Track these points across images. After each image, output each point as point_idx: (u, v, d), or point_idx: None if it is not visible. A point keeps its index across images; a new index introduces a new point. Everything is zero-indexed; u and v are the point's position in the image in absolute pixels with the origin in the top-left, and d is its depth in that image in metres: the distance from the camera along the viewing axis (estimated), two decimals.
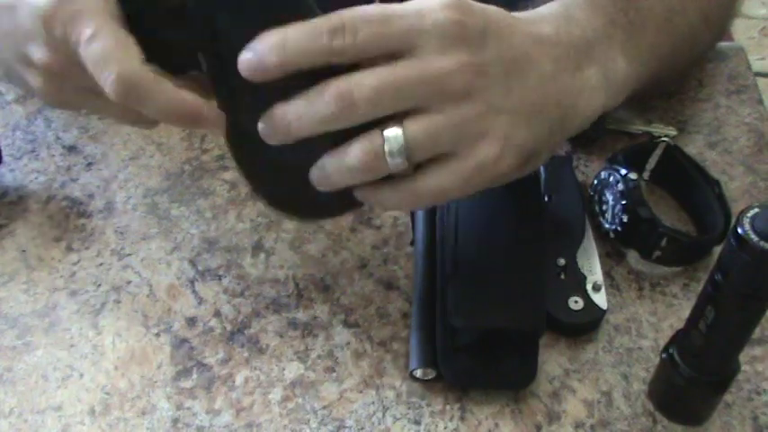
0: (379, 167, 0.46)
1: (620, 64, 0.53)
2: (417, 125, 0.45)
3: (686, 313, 0.49)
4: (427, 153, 0.46)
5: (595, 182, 0.61)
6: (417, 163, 0.46)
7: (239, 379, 0.54)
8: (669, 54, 0.59)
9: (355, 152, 0.45)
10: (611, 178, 0.59)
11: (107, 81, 0.45)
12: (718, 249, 0.46)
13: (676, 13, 0.60)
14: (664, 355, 0.51)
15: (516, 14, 0.50)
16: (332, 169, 0.47)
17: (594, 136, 0.65)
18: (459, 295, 0.52)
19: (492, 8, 0.48)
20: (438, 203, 0.47)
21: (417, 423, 0.52)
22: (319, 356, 0.55)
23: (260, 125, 0.46)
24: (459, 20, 0.45)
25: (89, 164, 0.65)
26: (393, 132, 0.45)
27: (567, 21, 0.51)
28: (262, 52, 0.44)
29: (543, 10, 0.52)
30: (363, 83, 0.44)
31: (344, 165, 0.46)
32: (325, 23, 0.44)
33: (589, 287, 0.56)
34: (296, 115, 0.45)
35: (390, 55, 0.45)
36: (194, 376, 0.54)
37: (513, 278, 0.53)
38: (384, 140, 0.45)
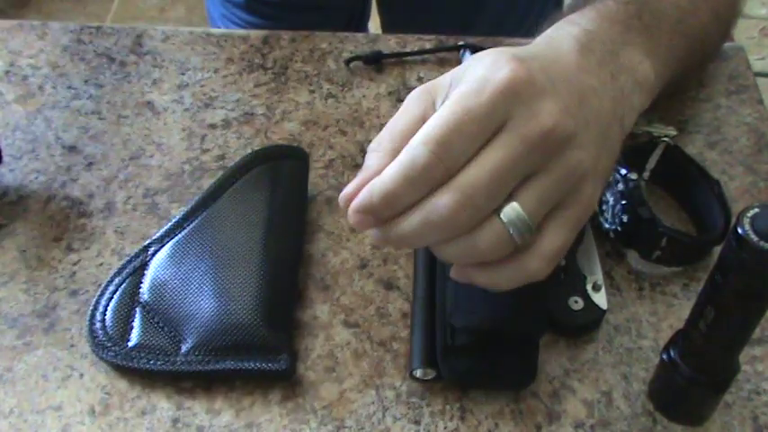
0: (507, 248, 0.44)
1: (645, 66, 0.53)
2: (530, 194, 0.43)
3: (686, 313, 0.49)
4: (545, 212, 0.44)
5: None
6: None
7: (239, 379, 0.54)
8: (686, 54, 0.60)
9: (480, 241, 0.43)
10: (611, 178, 0.59)
11: None
12: (718, 249, 0.46)
13: (688, 14, 0.60)
14: (664, 355, 0.51)
15: (544, 47, 0.49)
16: (466, 265, 0.45)
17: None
18: (459, 295, 0.52)
19: (531, 50, 0.47)
20: (557, 262, 0.45)
21: (417, 423, 0.52)
22: (319, 356, 0.55)
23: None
24: (526, 74, 0.43)
25: (89, 164, 0.65)
26: (512, 211, 0.43)
27: (585, 35, 0.50)
28: (363, 207, 0.43)
29: (557, 34, 0.51)
30: (475, 180, 0.42)
31: (471, 255, 0.44)
32: (412, 163, 0.42)
33: (589, 287, 0.56)
34: (416, 235, 0.43)
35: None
36: (194, 376, 0.54)
37: None
38: (506, 222, 0.43)
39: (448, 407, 0.53)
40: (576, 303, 0.55)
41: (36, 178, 0.64)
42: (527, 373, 0.53)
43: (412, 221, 0.43)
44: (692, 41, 0.61)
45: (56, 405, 0.53)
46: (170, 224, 0.59)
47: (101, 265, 0.59)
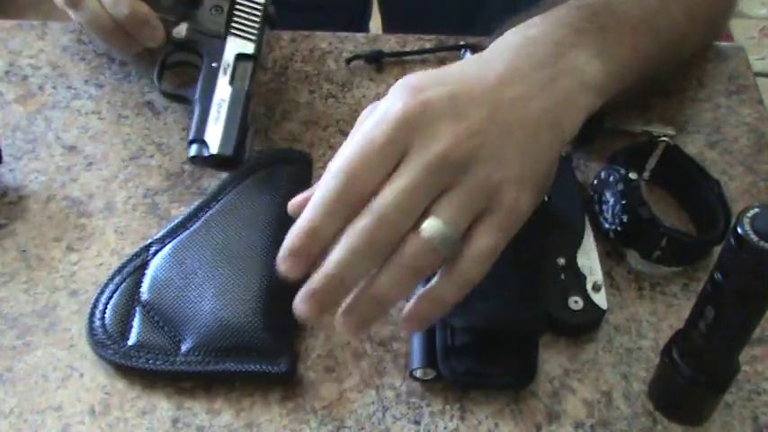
0: (435, 259, 0.46)
1: (593, 67, 0.54)
2: (445, 208, 0.46)
3: (686, 313, 0.49)
4: (467, 223, 0.47)
5: (595, 182, 0.61)
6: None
7: (239, 379, 0.54)
8: (655, 54, 0.60)
9: (407, 258, 0.46)
10: (611, 178, 0.59)
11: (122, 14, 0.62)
12: (718, 249, 0.46)
13: (657, 14, 0.60)
14: (664, 356, 0.51)
15: (466, 65, 0.53)
16: (390, 283, 0.47)
17: (593, 135, 0.64)
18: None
19: (437, 72, 0.51)
20: (489, 267, 0.48)
21: (417, 423, 0.52)
22: (319, 356, 0.55)
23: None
24: (418, 105, 0.47)
25: (89, 164, 0.65)
26: (430, 226, 0.46)
27: (525, 43, 0.53)
28: (289, 250, 0.47)
29: (496, 46, 0.54)
30: (385, 202, 0.45)
31: (405, 276, 0.46)
32: (324, 195, 0.46)
33: (589, 287, 0.56)
34: (345, 263, 0.46)
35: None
36: (194, 377, 0.54)
37: (512, 279, 0.53)
38: (428, 236, 0.45)
39: (448, 407, 0.53)
40: (576, 303, 0.55)
41: (36, 178, 0.64)
42: (527, 374, 0.53)
43: (339, 250, 0.46)
44: (662, 41, 0.61)
45: (56, 405, 0.53)
46: (172, 224, 0.59)
47: (101, 265, 0.59)
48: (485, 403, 0.53)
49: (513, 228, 0.48)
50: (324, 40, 0.75)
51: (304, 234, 0.46)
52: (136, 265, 0.57)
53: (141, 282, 0.56)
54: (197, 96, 0.62)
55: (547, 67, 0.52)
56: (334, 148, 0.66)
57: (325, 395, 0.53)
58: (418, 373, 0.53)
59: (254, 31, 0.64)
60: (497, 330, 0.52)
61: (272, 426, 0.52)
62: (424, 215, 0.46)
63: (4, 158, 0.64)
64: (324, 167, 0.65)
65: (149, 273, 0.56)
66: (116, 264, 0.59)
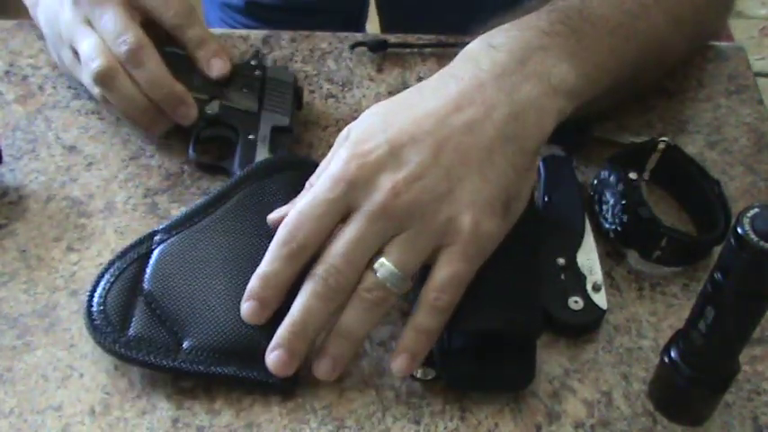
0: (388, 296, 0.51)
1: (562, 69, 0.54)
2: (394, 249, 0.50)
3: (686, 313, 0.49)
4: (419, 261, 0.51)
5: (595, 182, 0.61)
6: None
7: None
8: (633, 58, 0.60)
9: (363, 294, 0.50)
10: (612, 178, 0.59)
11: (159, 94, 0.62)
12: (718, 249, 0.46)
13: (636, 18, 0.60)
14: (664, 356, 0.51)
15: (424, 88, 0.55)
16: (353, 319, 0.51)
17: (579, 144, 0.64)
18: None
19: (387, 109, 0.54)
20: (460, 292, 0.51)
21: (417, 423, 0.52)
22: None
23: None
24: (357, 165, 0.51)
25: (89, 164, 0.65)
26: (381, 266, 0.50)
27: (488, 52, 0.54)
28: (248, 294, 0.53)
29: (458, 60, 0.56)
30: (334, 251, 0.50)
31: (364, 310, 0.51)
32: (277, 244, 0.52)
33: (589, 287, 0.56)
34: (306, 308, 0.51)
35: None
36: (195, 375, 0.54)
37: (509, 280, 0.53)
38: (379, 276, 0.50)
39: (448, 407, 0.53)
40: (576, 303, 0.55)
41: (36, 178, 0.64)
42: (526, 374, 0.53)
43: (299, 301, 0.51)
44: (641, 44, 0.60)
45: (56, 405, 0.53)
46: (178, 216, 0.58)
47: (101, 265, 0.59)
48: (485, 403, 0.53)
49: (476, 252, 0.51)
50: (324, 40, 0.75)
51: (260, 280, 0.52)
52: (139, 252, 0.56)
53: (144, 270, 0.55)
54: (236, 166, 0.63)
55: (510, 74, 0.53)
56: None
57: (325, 395, 0.53)
58: (418, 373, 0.53)
59: (287, 106, 0.66)
60: (495, 332, 0.52)
61: (272, 426, 0.52)
62: (377, 257, 0.50)
63: (4, 158, 0.64)
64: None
65: (152, 262, 0.55)
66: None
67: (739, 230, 0.41)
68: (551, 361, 0.55)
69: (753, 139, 0.68)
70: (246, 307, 0.52)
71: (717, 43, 0.75)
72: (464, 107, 0.52)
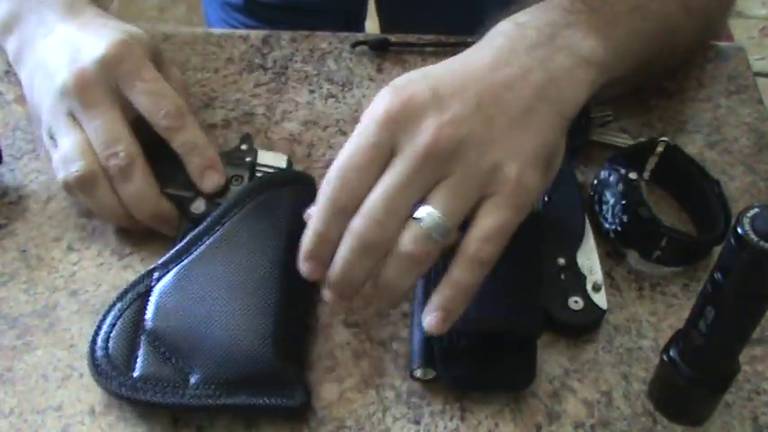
0: (432, 247, 0.48)
1: (590, 42, 0.55)
2: (439, 196, 0.48)
3: (686, 313, 0.49)
4: (464, 209, 0.48)
5: (595, 182, 0.61)
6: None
7: None
8: (651, 39, 0.60)
9: (405, 247, 0.48)
10: (612, 178, 0.59)
11: (141, 214, 0.58)
12: (718, 249, 0.46)
13: (651, 1, 0.60)
14: (664, 356, 0.51)
15: (455, 57, 0.54)
16: (395, 274, 0.49)
17: (577, 145, 0.64)
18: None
19: (424, 68, 0.52)
20: (503, 244, 0.49)
21: (417, 423, 0.52)
22: (319, 356, 0.55)
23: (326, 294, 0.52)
24: (399, 103, 0.49)
25: None
26: (424, 213, 0.48)
27: (517, 29, 0.54)
28: (304, 253, 0.51)
29: (487, 35, 0.55)
30: (373, 202, 0.48)
31: (406, 264, 0.49)
32: (324, 201, 0.49)
33: (589, 287, 0.56)
34: (346, 263, 0.49)
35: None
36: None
37: (510, 280, 0.53)
38: (423, 224, 0.48)
39: (448, 407, 0.53)
40: (576, 303, 0.55)
41: (36, 178, 0.64)
42: (526, 374, 0.53)
43: (340, 251, 0.49)
44: (657, 26, 0.61)
45: (56, 405, 0.53)
46: (174, 249, 0.56)
47: (101, 264, 0.59)
48: (485, 403, 0.53)
49: (521, 203, 0.49)
50: (324, 40, 0.75)
51: (312, 237, 0.50)
52: (139, 292, 0.55)
53: (145, 309, 0.54)
54: None
55: (541, 47, 0.53)
56: (334, 148, 0.66)
57: (325, 395, 0.53)
58: (418, 373, 0.53)
59: None
60: (495, 332, 0.52)
61: (272, 426, 0.52)
62: (420, 205, 0.48)
63: (4, 158, 0.64)
64: (324, 167, 0.65)
65: (153, 300, 0.54)
66: (116, 263, 0.59)
67: (739, 230, 0.41)
68: (551, 361, 0.55)
69: (753, 139, 0.68)
70: (307, 267, 0.51)
71: (717, 43, 0.75)
72: (501, 67, 0.51)
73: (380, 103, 0.49)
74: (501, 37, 0.54)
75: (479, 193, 0.48)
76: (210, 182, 0.59)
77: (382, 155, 0.49)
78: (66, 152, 0.58)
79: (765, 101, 0.71)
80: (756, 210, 0.41)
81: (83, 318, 0.56)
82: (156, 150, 0.59)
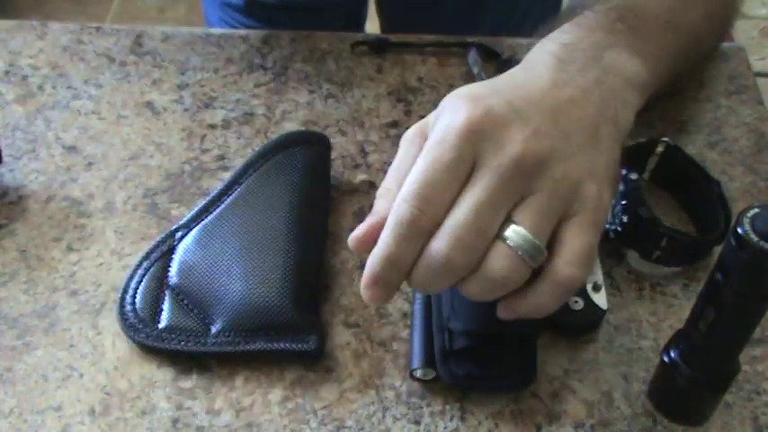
0: (521, 270, 0.45)
1: (634, 64, 0.54)
2: (526, 214, 0.45)
3: (686, 313, 0.49)
4: (551, 228, 0.45)
5: None
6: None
7: (239, 379, 0.54)
8: (680, 53, 0.61)
9: (495, 271, 0.44)
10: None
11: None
12: (718, 249, 0.46)
13: (678, 13, 0.61)
14: (664, 356, 0.51)
15: (514, 74, 0.51)
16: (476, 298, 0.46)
17: None
18: (456, 299, 0.52)
19: (486, 83, 0.49)
20: (589, 268, 0.46)
21: (417, 423, 0.52)
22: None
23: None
24: (482, 113, 0.45)
25: (89, 164, 0.65)
26: (514, 233, 0.44)
27: (563, 49, 0.53)
28: (372, 278, 0.46)
29: (534, 56, 0.53)
30: (459, 221, 0.44)
31: (493, 290, 0.45)
32: (400, 222, 0.44)
33: (589, 287, 0.56)
34: (423, 283, 0.45)
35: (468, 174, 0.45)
36: (194, 376, 0.54)
37: None
38: (512, 245, 0.44)
39: (448, 407, 0.53)
40: (576, 303, 0.55)
41: (36, 178, 0.64)
42: (527, 375, 0.53)
43: (417, 274, 0.45)
44: (684, 40, 0.61)
45: (56, 405, 0.53)
46: (195, 210, 0.60)
47: (101, 264, 0.59)
48: (485, 404, 0.53)
49: (601, 223, 0.47)
50: (324, 40, 0.75)
51: (384, 262, 0.45)
52: (162, 251, 0.58)
53: (169, 266, 0.57)
54: None
55: (590, 69, 0.52)
56: (333, 148, 0.66)
57: (325, 395, 0.53)
58: (418, 374, 0.53)
59: None
60: (495, 332, 0.52)
61: (272, 426, 0.52)
62: (505, 224, 0.44)
63: (4, 158, 0.64)
64: None
65: (177, 257, 0.58)
66: (116, 264, 0.59)
67: (739, 230, 0.41)
68: (551, 361, 0.55)
69: (753, 139, 0.68)
70: (372, 293, 0.46)
71: None
72: (562, 86, 0.50)
73: (458, 114, 0.45)
74: (551, 57, 0.52)
75: (564, 211, 0.46)
76: None
77: (464, 169, 0.45)
78: None
79: (765, 101, 0.71)
80: (756, 210, 0.41)
81: (83, 318, 0.57)
82: None
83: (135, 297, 0.56)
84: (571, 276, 0.45)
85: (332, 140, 0.67)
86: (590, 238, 0.46)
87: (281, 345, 0.54)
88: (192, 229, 0.59)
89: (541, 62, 0.52)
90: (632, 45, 0.55)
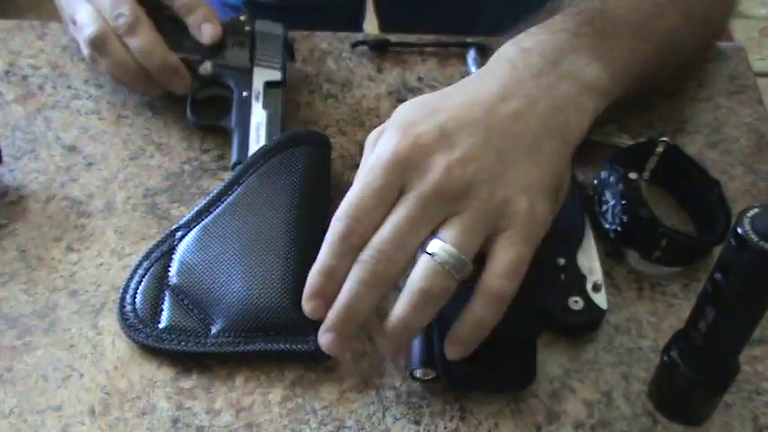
0: (447, 281, 0.48)
1: (594, 68, 0.55)
2: (451, 230, 0.48)
3: (686, 313, 0.49)
4: (478, 243, 0.49)
5: (595, 182, 0.61)
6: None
7: (239, 379, 0.54)
8: (653, 57, 0.60)
9: (420, 282, 0.48)
10: (611, 178, 0.59)
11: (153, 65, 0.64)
12: (718, 249, 0.46)
13: (654, 16, 0.61)
14: (664, 356, 0.51)
15: (462, 86, 0.54)
16: (409, 312, 0.49)
17: (579, 146, 0.64)
18: (455, 300, 0.52)
19: (431, 100, 0.52)
20: (521, 278, 0.49)
21: (417, 423, 0.52)
22: None
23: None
24: (410, 144, 0.49)
25: (89, 164, 0.65)
26: (436, 246, 0.48)
27: (522, 54, 0.54)
28: (310, 290, 0.51)
29: (492, 62, 0.55)
30: (383, 237, 0.48)
31: (421, 300, 0.48)
32: (333, 237, 0.49)
33: (589, 287, 0.56)
34: (353, 294, 0.49)
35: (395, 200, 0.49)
36: (194, 376, 0.54)
37: None
38: (435, 257, 0.48)
39: (448, 407, 0.53)
40: (576, 303, 0.55)
41: (36, 178, 0.64)
42: (526, 375, 0.53)
43: (348, 282, 0.49)
44: (660, 43, 0.61)
45: (56, 405, 0.53)
46: (195, 209, 0.59)
47: (101, 264, 0.59)
48: (485, 403, 0.53)
49: (534, 236, 0.49)
50: (324, 40, 0.75)
51: (319, 275, 0.50)
52: (163, 251, 0.58)
53: (169, 266, 0.57)
54: (234, 124, 0.65)
55: (545, 74, 0.53)
56: (333, 148, 0.66)
57: (325, 395, 0.53)
58: (418, 373, 0.53)
59: (278, 60, 0.67)
60: (495, 332, 0.52)
61: (272, 426, 0.52)
62: (431, 240, 0.48)
63: (4, 158, 0.64)
64: None
65: (177, 257, 0.57)
66: (116, 264, 0.59)
67: (739, 230, 0.41)
68: (551, 361, 0.55)
69: (753, 139, 0.68)
70: (311, 306, 0.51)
71: (717, 43, 0.75)
72: (508, 98, 0.52)
73: (388, 146, 0.50)
74: (506, 65, 0.54)
75: (491, 227, 0.49)
76: (208, 34, 0.66)
77: (390, 195, 0.49)
78: (80, 23, 0.65)
79: (765, 101, 0.71)
80: (756, 210, 0.41)
81: (83, 318, 0.56)
82: (164, 23, 0.66)
83: (135, 297, 0.56)
84: (500, 287, 0.48)
85: (332, 140, 0.67)
86: (518, 250, 0.49)
87: (281, 345, 0.54)
88: (192, 229, 0.58)
89: (495, 70, 0.54)
90: (596, 49, 0.55)
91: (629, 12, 0.60)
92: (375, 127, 0.53)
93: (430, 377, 0.53)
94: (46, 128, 0.68)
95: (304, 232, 0.57)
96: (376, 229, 0.49)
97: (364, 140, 0.66)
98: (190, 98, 0.66)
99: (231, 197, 0.60)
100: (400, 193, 0.49)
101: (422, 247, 0.48)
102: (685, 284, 0.59)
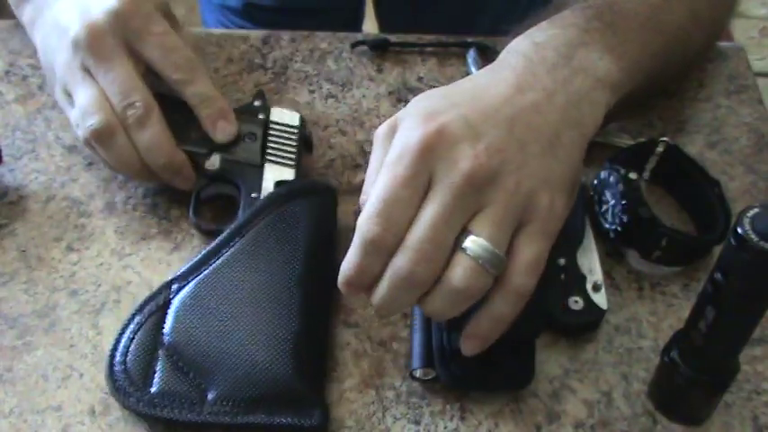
0: (483, 278, 0.47)
1: (606, 63, 0.54)
2: (483, 225, 0.47)
3: (686, 313, 0.49)
4: (508, 237, 0.47)
5: (595, 182, 0.61)
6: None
7: None
8: (662, 52, 0.60)
9: (457, 281, 0.46)
10: (611, 178, 0.59)
11: (157, 163, 0.58)
12: (718, 249, 0.46)
13: (662, 11, 0.61)
14: (664, 356, 0.51)
15: (478, 80, 0.52)
16: (442, 309, 0.48)
17: None
18: None
19: (448, 92, 0.51)
20: (540, 274, 0.48)
21: (417, 423, 0.52)
22: None
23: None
24: (436, 132, 0.47)
25: (89, 164, 0.65)
26: (472, 243, 0.46)
27: (534, 48, 0.54)
28: (344, 282, 0.48)
29: (505, 56, 0.54)
30: (419, 236, 0.46)
31: (457, 300, 0.47)
32: (364, 239, 0.47)
33: (589, 287, 0.56)
34: (389, 300, 0.48)
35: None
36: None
37: None
38: (472, 255, 0.46)
39: (448, 407, 0.53)
40: (576, 303, 0.55)
41: (36, 178, 0.64)
42: (525, 374, 0.53)
43: (382, 288, 0.47)
44: (668, 38, 0.61)
45: (56, 405, 0.53)
46: (193, 261, 0.56)
47: (101, 264, 0.59)
48: (485, 403, 0.53)
49: (553, 231, 0.49)
50: (324, 40, 0.75)
51: (352, 273, 0.48)
52: (158, 304, 0.54)
53: (164, 322, 0.53)
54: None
55: (559, 68, 0.53)
56: (333, 148, 0.66)
57: (326, 395, 0.53)
58: (418, 374, 0.53)
59: (292, 156, 0.62)
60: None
61: None
62: (464, 236, 0.46)
63: (4, 158, 0.64)
64: (324, 167, 0.65)
65: (171, 312, 0.54)
66: (116, 264, 0.59)
67: (739, 230, 0.41)
68: (551, 361, 0.55)
69: (753, 139, 0.68)
70: (347, 290, 0.48)
71: (717, 43, 0.75)
72: (525, 90, 0.51)
73: (412, 135, 0.47)
74: (520, 57, 0.53)
75: (518, 220, 0.48)
76: (223, 132, 0.61)
77: (421, 186, 0.47)
78: (82, 106, 0.58)
79: (765, 101, 0.71)
80: (756, 210, 0.41)
81: (83, 318, 0.56)
82: (169, 109, 0.59)
83: (126, 355, 0.52)
84: (523, 284, 0.47)
85: (332, 140, 0.67)
86: (539, 246, 0.48)
87: (283, 419, 0.50)
88: (189, 282, 0.54)
89: (509, 64, 0.53)
90: (607, 43, 0.55)
91: (637, 6, 0.60)
92: (375, 127, 0.53)
93: (430, 377, 0.53)
94: (46, 128, 0.68)
95: (309, 293, 0.54)
96: (409, 223, 0.46)
97: (364, 140, 0.67)
98: (193, 197, 0.60)
99: (231, 250, 0.55)
100: (428, 184, 0.47)
101: (455, 242, 0.47)
102: (685, 284, 0.59)
